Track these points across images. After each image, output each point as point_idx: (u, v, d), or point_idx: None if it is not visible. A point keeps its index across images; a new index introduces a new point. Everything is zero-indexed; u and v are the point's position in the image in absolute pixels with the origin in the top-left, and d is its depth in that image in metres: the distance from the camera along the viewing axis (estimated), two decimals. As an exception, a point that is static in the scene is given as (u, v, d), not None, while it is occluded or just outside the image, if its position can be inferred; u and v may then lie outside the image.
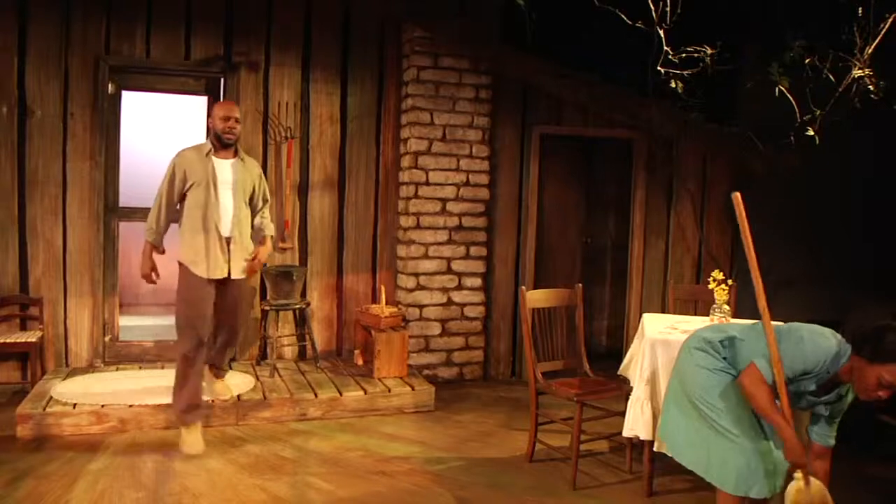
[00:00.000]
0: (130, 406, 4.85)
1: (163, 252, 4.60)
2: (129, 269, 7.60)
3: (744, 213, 3.04)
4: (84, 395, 5.00)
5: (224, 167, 4.53)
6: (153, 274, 4.58)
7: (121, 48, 5.78)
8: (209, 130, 4.62)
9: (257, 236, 4.77)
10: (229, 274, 4.54)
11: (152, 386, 5.25)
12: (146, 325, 6.90)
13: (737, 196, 3.06)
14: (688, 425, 3.23)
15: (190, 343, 4.46)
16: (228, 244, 4.51)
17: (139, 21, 5.80)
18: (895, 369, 2.70)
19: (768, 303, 3.02)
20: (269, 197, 4.88)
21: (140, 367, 5.83)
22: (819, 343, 2.94)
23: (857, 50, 4.79)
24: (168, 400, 4.92)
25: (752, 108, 6.51)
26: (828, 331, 3.03)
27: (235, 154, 4.61)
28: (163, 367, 5.83)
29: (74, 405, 4.79)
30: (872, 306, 5.82)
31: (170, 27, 5.87)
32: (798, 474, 2.92)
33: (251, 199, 4.71)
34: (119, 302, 6.10)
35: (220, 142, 4.51)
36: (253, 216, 4.75)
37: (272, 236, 4.88)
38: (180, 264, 4.49)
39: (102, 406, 4.80)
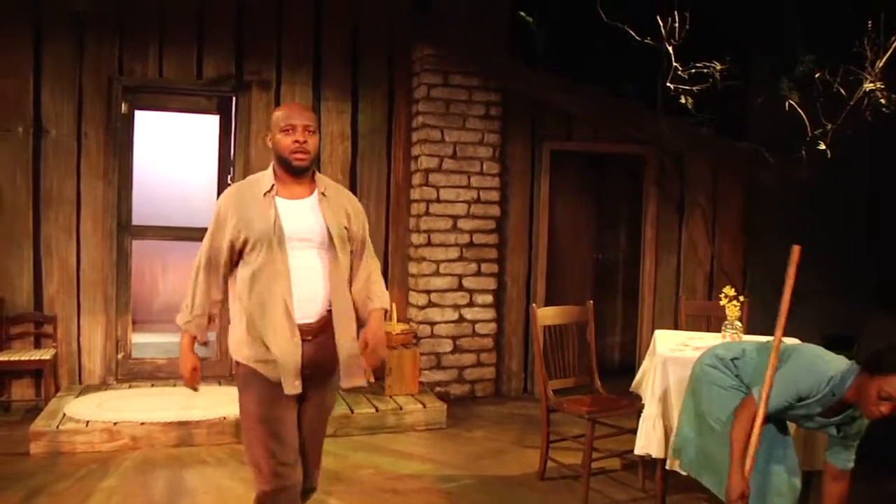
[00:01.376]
0: (142, 423, 4.86)
1: (205, 343, 3.05)
2: (141, 287, 7.67)
3: (794, 269, 2.91)
4: (97, 412, 5.02)
5: (298, 212, 2.83)
6: (196, 375, 2.93)
7: (134, 68, 5.85)
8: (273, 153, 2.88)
9: (361, 310, 2.99)
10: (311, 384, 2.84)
11: (164, 403, 5.27)
12: (159, 342, 6.92)
13: (796, 249, 2.91)
14: (700, 443, 3.23)
15: (270, 485, 2.77)
16: (317, 335, 2.82)
17: (152, 41, 5.86)
18: (893, 380, 2.70)
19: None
20: (370, 244, 3.07)
21: (152, 385, 5.85)
22: (815, 369, 2.93)
23: (867, 63, 4.79)
24: (180, 417, 4.95)
25: (762, 123, 6.50)
26: (831, 356, 3.01)
27: (313, 184, 2.90)
28: (175, 385, 5.85)
29: (87, 422, 4.81)
30: (888, 321, 5.78)
31: (182, 47, 5.93)
32: None
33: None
34: (132, 319, 6.13)
35: (289, 169, 2.81)
36: (350, 278, 2.96)
37: (384, 308, 3.03)
38: (238, 365, 2.87)
39: (115, 423, 4.82)
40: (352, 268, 2.96)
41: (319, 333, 2.81)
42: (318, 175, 2.95)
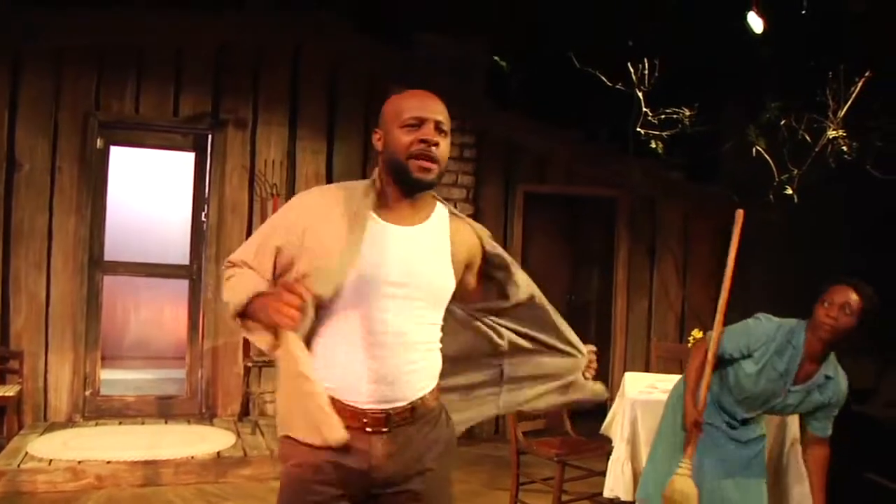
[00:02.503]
0: (108, 462, 4.78)
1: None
2: (112, 322, 7.59)
3: (739, 234, 3.13)
4: (61, 450, 4.93)
5: (401, 243, 1.95)
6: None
7: (111, 104, 5.86)
8: (379, 160, 2.03)
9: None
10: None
11: (131, 441, 5.20)
12: (128, 378, 6.85)
13: (740, 213, 3.14)
14: (668, 477, 3.30)
15: None
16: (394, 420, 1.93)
17: (129, 78, 5.89)
18: (829, 291, 2.97)
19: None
20: (521, 276, 2.27)
21: (120, 423, 5.76)
22: (765, 319, 3.14)
23: (830, 112, 4.93)
24: (147, 456, 4.87)
25: (732, 168, 6.63)
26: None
27: (430, 208, 2.05)
28: (143, 423, 5.78)
29: (50, 461, 4.71)
30: (863, 361, 5.87)
31: (159, 84, 5.95)
32: (683, 467, 3.08)
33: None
34: (102, 355, 6.05)
35: (404, 181, 1.94)
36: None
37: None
38: (286, 440, 1.97)
39: (79, 462, 4.73)
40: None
41: (402, 424, 1.93)
42: (440, 203, 2.09)
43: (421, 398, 1.96)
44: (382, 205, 1.97)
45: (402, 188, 1.96)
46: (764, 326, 3.11)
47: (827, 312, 2.93)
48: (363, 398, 1.89)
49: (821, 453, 3.16)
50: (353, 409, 1.89)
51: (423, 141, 1.91)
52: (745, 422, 3.20)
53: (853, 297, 2.91)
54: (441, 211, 2.07)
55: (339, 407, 1.88)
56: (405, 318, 1.92)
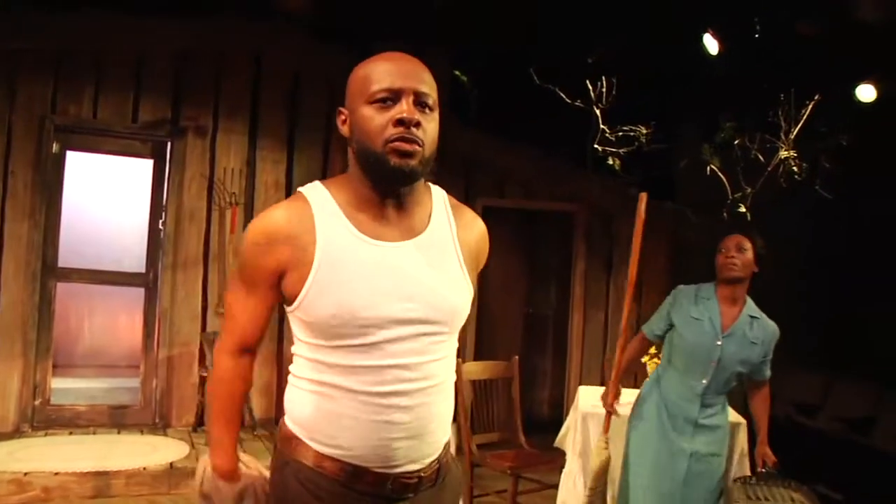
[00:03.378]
0: (56, 473, 4.68)
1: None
2: (66, 330, 7.47)
3: (643, 216, 3.48)
4: (6, 461, 4.82)
5: (404, 261, 1.55)
6: None
7: (68, 108, 5.78)
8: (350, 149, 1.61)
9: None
10: None
11: (82, 452, 5.11)
12: (81, 387, 6.73)
13: (643, 196, 3.50)
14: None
15: None
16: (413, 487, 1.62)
17: (88, 82, 5.81)
18: (721, 243, 3.37)
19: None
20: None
21: (70, 433, 5.66)
22: (677, 289, 3.56)
23: (782, 133, 5.05)
24: (97, 467, 4.79)
25: (687, 185, 6.74)
26: None
27: (424, 207, 1.65)
28: (94, 433, 5.69)
29: (-6, 473, 4.62)
30: (811, 377, 6.00)
31: (119, 89, 5.88)
32: (602, 441, 3.46)
33: None
34: (53, 363, 5.94)
35: (381, 175, 1.53)
36: None
37: None
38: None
39: (25, 474, 4.63)
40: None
41: (429, 486, 1.63)
42: (434, 189, 1.68)
43: (444, 451, 1.65)
44: (362, 214, 1.55)
45: (380, 185, 1.53)
46: (674, 293, 3.53)
47: (725, 256, 3.30)
48: (393, 461, 1.55)
49: (763, 392, 3.49)
50: (378, 475, 1.55)
51: (399, 122, 1.47)
52: (704, 407, 3.31)
53: (742, 238, 3.32)
54: (439, 202, 1.65)
55: (355, 474, 1.54)
56: (428, 358, 1.56)
